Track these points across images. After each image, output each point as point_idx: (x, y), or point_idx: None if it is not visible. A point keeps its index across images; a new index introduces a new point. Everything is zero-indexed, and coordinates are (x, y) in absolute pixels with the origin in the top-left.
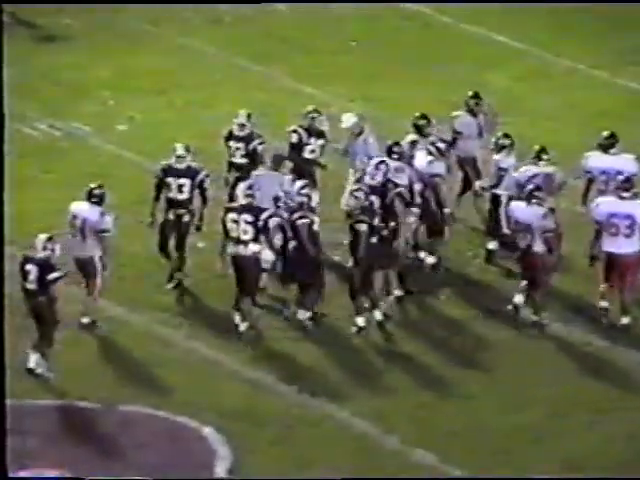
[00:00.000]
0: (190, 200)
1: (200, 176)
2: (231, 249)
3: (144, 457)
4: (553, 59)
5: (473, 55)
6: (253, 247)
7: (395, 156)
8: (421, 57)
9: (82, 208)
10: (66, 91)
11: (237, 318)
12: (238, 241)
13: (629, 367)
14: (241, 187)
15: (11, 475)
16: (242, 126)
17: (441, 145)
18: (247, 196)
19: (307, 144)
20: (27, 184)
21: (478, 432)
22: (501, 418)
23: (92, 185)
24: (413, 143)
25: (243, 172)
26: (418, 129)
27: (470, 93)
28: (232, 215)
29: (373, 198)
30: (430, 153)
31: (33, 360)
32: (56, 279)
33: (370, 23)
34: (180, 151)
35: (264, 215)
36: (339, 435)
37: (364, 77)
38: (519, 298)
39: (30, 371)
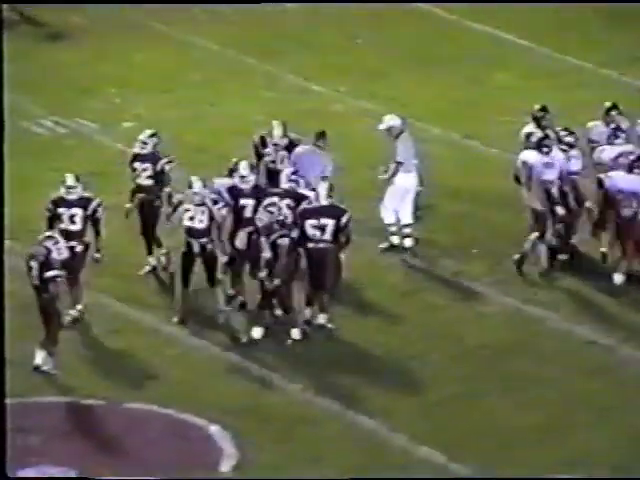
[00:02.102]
0: (83, 231)
1: (92, 205)
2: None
3: (150, 455)
4: (560, 57)
5: (479, 53)
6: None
7: (545, 150)
8: (427, 54)
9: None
10: (72, 88)
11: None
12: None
13: (634, 366)
14: (285, 172)
15: (15, 473)
16: (143, 144)
17: (569, 139)
18: (290, 181)
19: (263, 154)
20: (32, 181)
21: (485, 431)
22: (508, 417)
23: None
24: (529, 135)
25: (149, 194)
26: (536, 121)
27: (608, 104)
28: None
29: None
30: (563, 150)
31: (39, 357)
32: (52, 277)
33: (375, 21)
34: (70, 181)
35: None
36: (345, 433)
37: (370, 74)
38: (619, 277)
39: (36, 368)
